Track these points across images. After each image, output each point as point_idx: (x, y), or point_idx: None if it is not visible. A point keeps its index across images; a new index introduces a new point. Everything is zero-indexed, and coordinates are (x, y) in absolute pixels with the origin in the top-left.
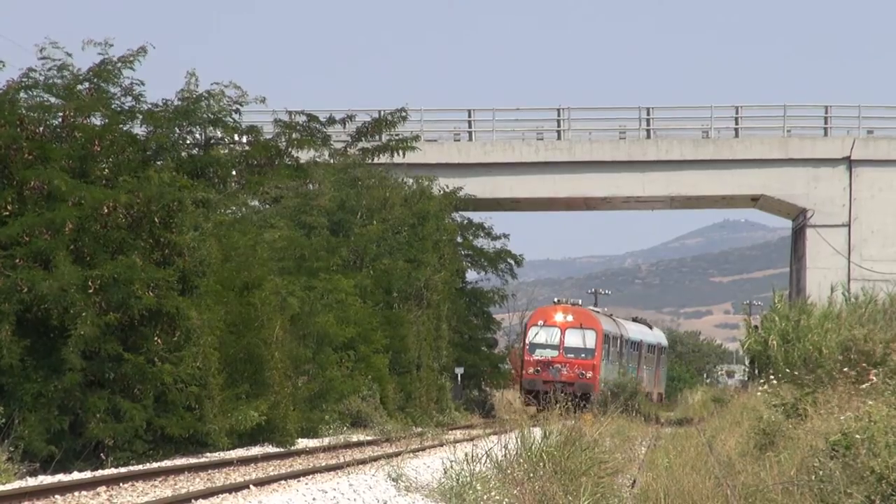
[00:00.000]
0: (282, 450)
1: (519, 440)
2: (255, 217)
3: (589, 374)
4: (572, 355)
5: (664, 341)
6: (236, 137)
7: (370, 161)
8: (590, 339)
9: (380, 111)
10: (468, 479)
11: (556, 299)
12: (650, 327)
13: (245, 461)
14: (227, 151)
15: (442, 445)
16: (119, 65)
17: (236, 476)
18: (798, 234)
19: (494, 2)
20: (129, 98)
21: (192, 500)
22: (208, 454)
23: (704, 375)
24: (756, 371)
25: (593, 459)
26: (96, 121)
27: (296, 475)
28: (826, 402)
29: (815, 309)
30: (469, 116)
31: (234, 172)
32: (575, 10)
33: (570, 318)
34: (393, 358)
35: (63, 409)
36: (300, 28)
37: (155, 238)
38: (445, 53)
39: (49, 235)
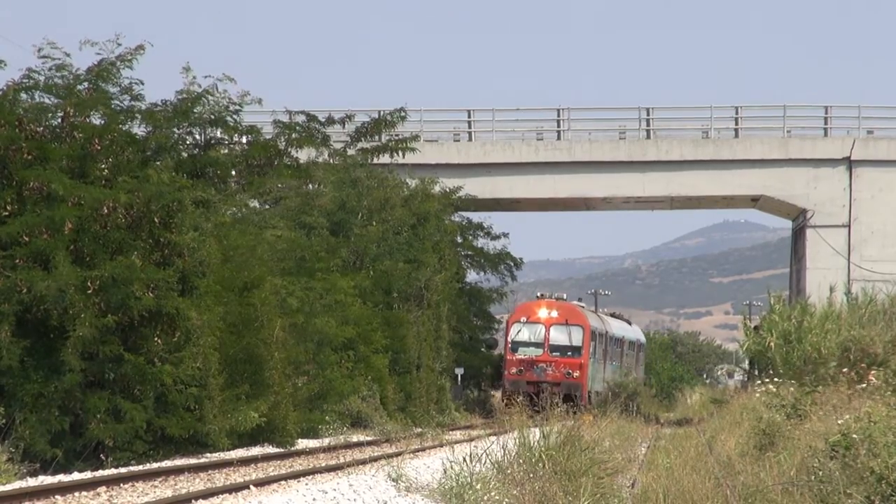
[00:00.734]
0: (282, 450)
1: (518, 440)
2: (255, 217)
3: (576, 374)
4: (558, 354)
5: (643, 338)
6: (236, 137)
7: (370, 161)
8: (576, 336)
9: (379, 111)
10: (468, 479)
11: (538, 293)
12: (629, 323)
13: (245, 461)
14: (226, 151)
15: (442, 446)
16: (118, 64)
17: (236, 476)
18: (798, 235)
19: (495, 2)
20: (128, 97)
21: (193, 501)
22: (208, 454)
23: (704, 376)
24: (756, 372)
25: (593, 460)
26: (96, 120)
27: (296, 475)
28: (826, 403)
29: (815, 309)
30: (469, 116)
31: (233, 172)
32: (575, 10)
33: (554, 313)
34: (393, 358)
35: (63, 409)
36: (299, 27)
37: (154, 238)
38: (445, 53)
39: (48, 235)
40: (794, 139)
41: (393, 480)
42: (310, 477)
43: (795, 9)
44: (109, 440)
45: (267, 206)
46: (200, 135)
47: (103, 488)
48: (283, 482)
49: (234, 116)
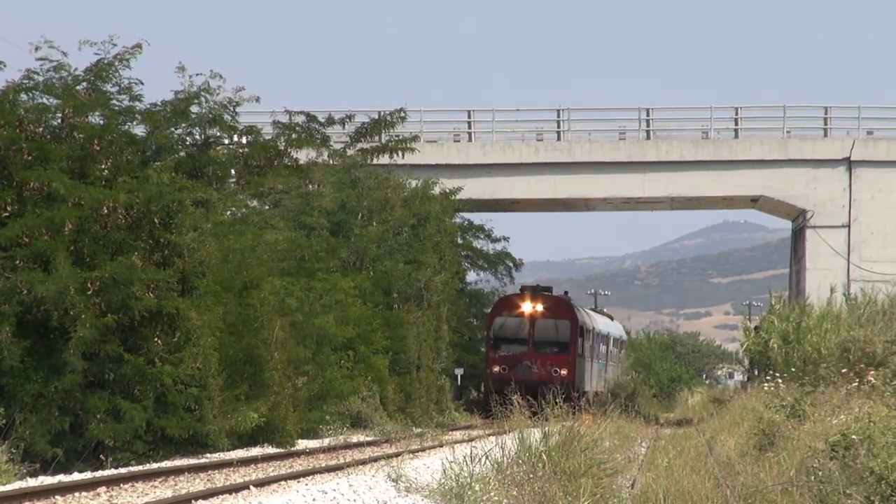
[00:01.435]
0: (282, 450)
1: (518, 441)
2: (255, 218)
3: (564, 372)
4: (544, 350)
5: (625, 335)
6: (235, 138)
7: (369, 162)
8: (563, 331)
9: (379, 112)
10: (468, 479)
11: (522, 285)
12: (611, 318)
13: (245, 462)
14: (225, 151)
15: (442, 446)
16: (116, 64)
17: (236, 477)
18: (798, 235)
19: (494, 2)
20: (127, 97)
21: (193, 501)
22: (208, 455)
23: (704, 376)
24: (755, 372)
25: (593, 460)
26: (95, 121)
27: (296, 476)
28: (825, 403)
29: (814, 310)
30: (469, 117)
31: (233, 172)
32: (575, 10)
33: (539, 307)
34: (393, 359)
35: (63, 409)
36: (299, 27)
37: (154, 239)
38: (445, 53)
39: (49, 236)
40: (793, 139)
41: (393, 481)
42: (310, 477)
43: (795, 9)
44: (109, 440)
45: (267, 207)
46: (200, 134)
47: (103, 488)
48: (282, 482)
49: (232, 114)
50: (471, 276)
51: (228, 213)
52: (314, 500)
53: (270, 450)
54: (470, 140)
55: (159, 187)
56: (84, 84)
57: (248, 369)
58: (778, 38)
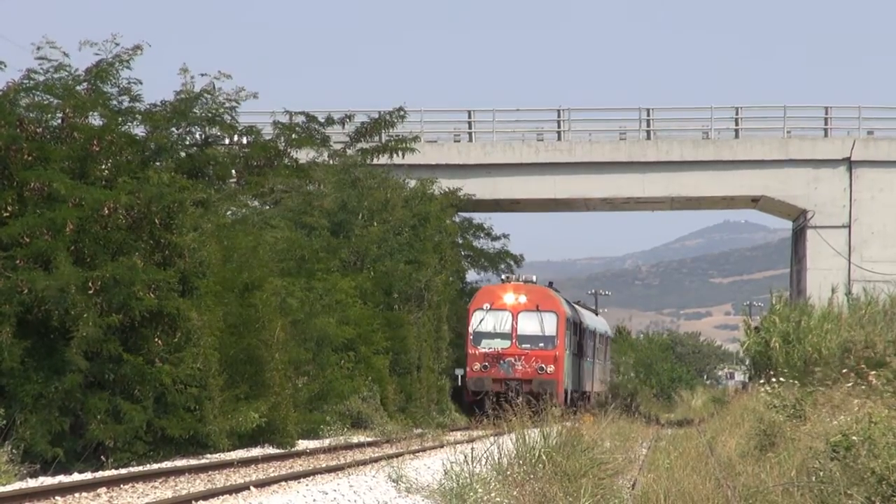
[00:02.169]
0: (282, 451)
1: (518, 441)
2: (255, 218)
3: (550, 369)
4: (528, 345)
5: (610, 331)
6: (235, 138)
7: (369, 162)
8: (549, 325)
9: (379, 111)
10: (468, 480)
11: (503, 276)
12: (596, 313)
13: (245, 462)
14: (225, 151)
15: (442, 446)
16: (116, 64)
17: (237, 477)
18: (798, 235)
19: (495, 3)
20: (127, 98)
21: (193, 501)
22: (209, 455)
23: (704, 377)
24: (756, 372)
25: (593, 461)
26: (95, 121)
27: (296, 476)
28: (826, 403)
29: (815, 310)
30: (469, 117)
31: (233, 172)
32: (575, 10)
33: (522, 298)
34: (393, 359)
35: (63, 410)
36: (299, 28)
37: (155, 239)
38: (445, 54)
39: (49, 236)
40: (794, 140)
41: (393, 481)
42: (310, 478)
43: (795, 10)
44: (110, 441)
45: (267, 207)
46: (200, 134)
47: (103, 489)
48: (283, 483)
49: (232, 114)
50: (471, 276)
51: (229, 213)
52: (315, 500)
53: (271, 450)
54: (470, 140)
55: (160, 188)
56: (84, 84)
57: (248, 369)
58: (778, 39)
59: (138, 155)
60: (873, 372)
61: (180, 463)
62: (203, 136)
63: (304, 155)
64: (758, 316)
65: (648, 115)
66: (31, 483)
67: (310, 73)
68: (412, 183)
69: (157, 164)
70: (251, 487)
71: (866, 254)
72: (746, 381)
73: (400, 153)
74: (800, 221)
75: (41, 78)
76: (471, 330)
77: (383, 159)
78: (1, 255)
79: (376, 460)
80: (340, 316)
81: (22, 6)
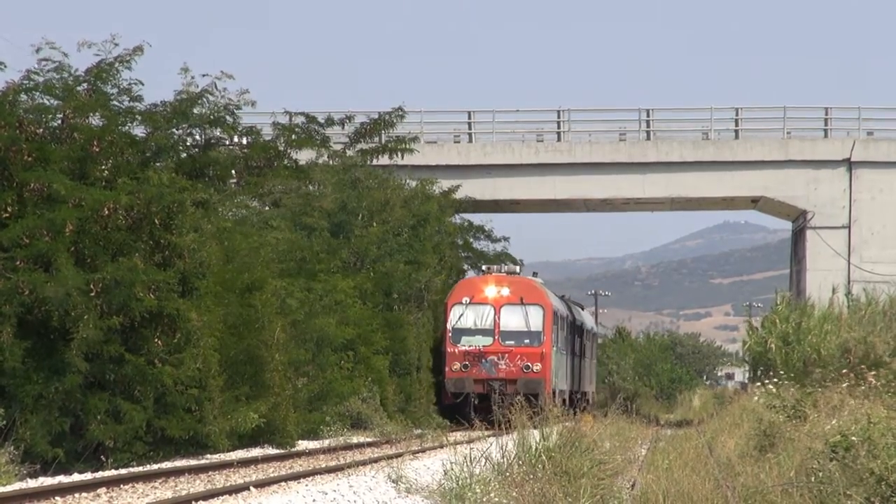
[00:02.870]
0: (282, 451)
1: (518, 442)
2: (255, 219)
3: (537, 367)
4: (512, 342)
5: (596, 327)
6: (235, 139)
7: (369, 162)
8: (535, 319)
9: (378, 112)
10: (468, 480)
11: (484, 267)
12: (582, 308)
13: (245, 463)
14: (226, 152)
15: (442, 447)
16: (117, 65)
17: (236, 478)
18: (798, 236)
19: (494, 4)
20: (127, 98)
21: (193, 502)
22: (208, 456)
23: (704, 377)
24: (756, 373)
25: (593, 461)
26: (95, 122)
27: (296, 477)
28: (826, 404)
29: (815, 311)
30: (469, 118)
31: (233, 173)
32: (575, 11)
33: (505, 291)
34: (393, 359)
35: (64, 410)
36: (300, 30)
37: (155, 240)
38: (445, 55)
39: (49, 237)
40: (794, 140)
41: (393, 482)
42: (310, 478)
43: (795, 11)
44: (110, 441)
45: (267, 207)
46: (200, 135)
47: (103, 489)
48: (283, 483)
49: (232, 116)
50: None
51: (230, 213)
52: (314, 500)
53: (271, 450)
54: (470, 141)
55: (160, 188)
56: (84, 85)
57: (248, 370)
58: (778, 40)
59: (138, 155)
60: (872, 372)
61: (180, 463)
62: (204, 138)
63: (304, 156)
64: (758, 317)
65: (648, 115)
66: (32, 483)
67: (310, 76)
68: (412, 183)
69: (158, 164)
70: (251, 488)
71: (866, 254)
72: (746, 381)
73: (399, 154)
74: (799, 222)
75: (41, 79)
76: (449, 326)
77: (383, 160)
78: (1, 257)
79: (376, 461)
80: (340, 316)
81: (20, 6)
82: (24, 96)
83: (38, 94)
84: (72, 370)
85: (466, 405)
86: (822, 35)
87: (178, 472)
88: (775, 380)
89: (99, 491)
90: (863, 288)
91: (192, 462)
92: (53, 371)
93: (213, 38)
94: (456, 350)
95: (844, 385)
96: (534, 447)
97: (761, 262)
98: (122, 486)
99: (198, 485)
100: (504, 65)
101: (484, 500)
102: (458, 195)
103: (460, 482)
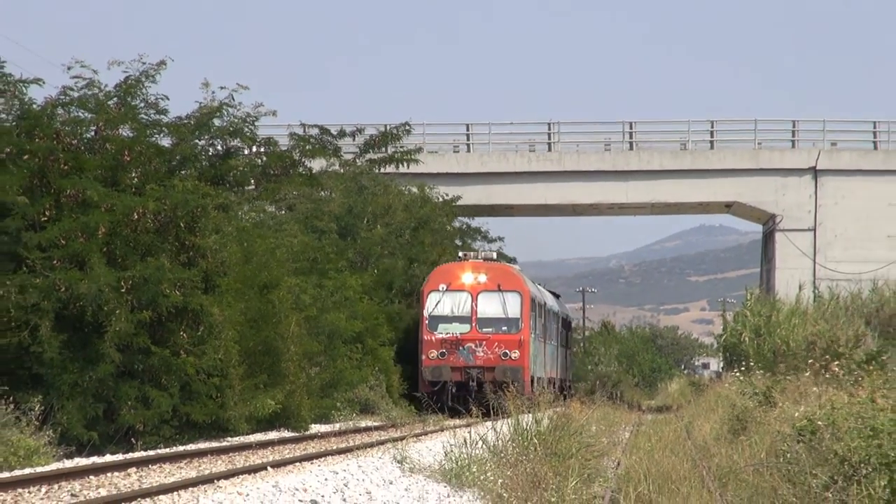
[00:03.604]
0: (296, 434)
1: (512, 426)
2: (270, 222)
3: (515, 355)
4: (490, 329)
5: (571, 316)
6: (254, 148)
7: (377, 171)
8: (513, 305)
9: (386, 125)
10: (466, 461)
11: (461, 254)
12: (558, 296)
13: (263, 445)
14: (245, 161)
15: (443, 430)
16: (143, 80)
17: (255, 458)
18: (768, 238)
19: (492, 26)
20: (154, 111)
21: (215, 480)
22: (229, 438)
23: (682, 366)
24: (730, 362)
25: (581, 443)
26: (125, 133)
27: (309, 457)
28: (794, 391)
29: (784, 306)
30: (467, 130)
31: (251, 180)
32: (565, 33)
33: (482, 277)
34: (397, 350)
35: (98, 397)
36: (312, 47)
37: (180, 241)
38: (445, 72)
39: (84, 239)
40: (764, 150)
41: (398, 462)
42: (322, 459)
43: (768, 32)
44: (139, 425)
45: (282, 211)
46: (221, 146)
47: (133, 469)
48: (297, 464)
49: (251, 127)
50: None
51: (248, 218)
52: (326, 479)
53: (286, 434)
54: (468, 151)
55: (184, 194)
56: (115, 99)
57: (266, 360)
58: (750, 58)
59: (165, 164)
60: (836, 362)
61: (203, 445)
62: (224, 148)
63: (317, 164)
64: (732, 311)
65: (631, 127)
66: (68, 464)
67: (322, 89)
68: (413, 189)
69: (183, 172)
70: (268, 467)
71: (830, 255)
72: (720, 370)
73: (405, 163)
74: (769, 225)
75: (75, 94)
76: (426, 314)
77: (390, 169)
78: (40, 256)
79: (382, 443)
80: (349, 311)
81: (51, 24)
82: (60, 110)
83: (73, 108)
84: (105, 360)
85: (444, 393)
86: (791, 54)
87: (201, 454)
88: (746, 369)
89: (129, 470)
90: (827, 285)
91: (215, 444)
92: (88, 361)
93: (232, 56)
94: (433, 338)
95: (809, 374)
96: (527, 430)
97: (734, 262)
98: (150, 466)
99: (220, 465)
100: (499, 82)
101: (481, 478)
102: (458, 202)
103: (459, 463)
